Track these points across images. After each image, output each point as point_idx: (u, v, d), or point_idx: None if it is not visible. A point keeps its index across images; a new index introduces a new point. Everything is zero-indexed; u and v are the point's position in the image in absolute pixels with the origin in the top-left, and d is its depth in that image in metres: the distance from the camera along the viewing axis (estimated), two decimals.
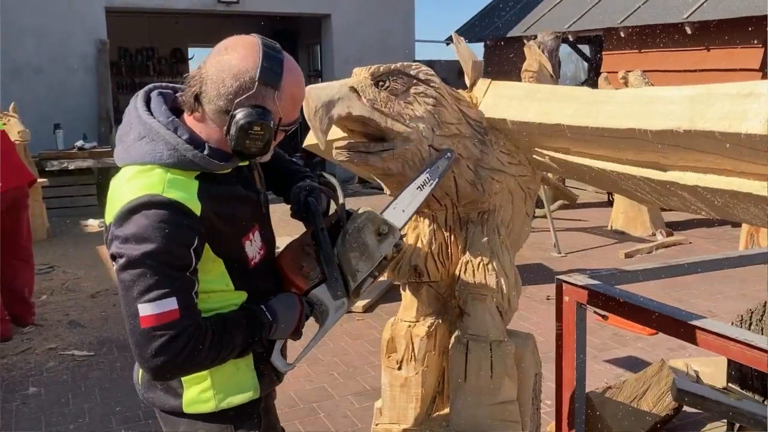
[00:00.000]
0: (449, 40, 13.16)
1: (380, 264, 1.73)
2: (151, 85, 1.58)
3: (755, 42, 7.87)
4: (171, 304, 1.35)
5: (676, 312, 2.28)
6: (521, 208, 2.24)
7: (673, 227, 7.79)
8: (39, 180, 7.74)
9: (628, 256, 6.73)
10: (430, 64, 10.83)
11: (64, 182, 9.15)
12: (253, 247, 1.56)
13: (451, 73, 10.95)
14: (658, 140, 1.59)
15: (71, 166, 9.08)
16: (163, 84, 1.60)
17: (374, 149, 1.95)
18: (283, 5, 11.58)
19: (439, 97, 1.99)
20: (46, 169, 8.83)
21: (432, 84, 2.00)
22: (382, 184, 2.16)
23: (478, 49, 12.61)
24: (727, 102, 1.43)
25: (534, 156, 2.12)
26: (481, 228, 2.17)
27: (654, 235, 7.48)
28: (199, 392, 1.56)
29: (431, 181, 1.95)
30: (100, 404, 3.81)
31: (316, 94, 1.85)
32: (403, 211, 1.88)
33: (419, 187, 1.93)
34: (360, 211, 1.74)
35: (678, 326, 2.23)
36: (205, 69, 1.44)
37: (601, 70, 9.78)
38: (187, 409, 1.56)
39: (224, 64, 1.42)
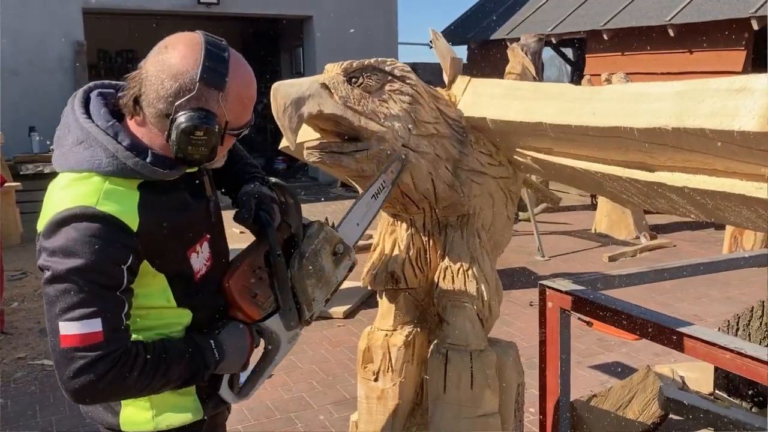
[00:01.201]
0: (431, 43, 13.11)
1: (335, 289, 1.64)
2: (91, 84, 1.46)
3: (738, 44, 7.87)
4: (95, 325, 1.26)
5: (662, 318, 2.20)
6: (502, 211, 2.15)
7: (657, 230, 7.77)
8: (12, 184, 7.59)
9: (611, 259, 6.69)
10: (412, 66, 10.76)
11: (39, 186, 8.91)
12: (199, 259, 1.45)
13: (435, 76, 10.90)
14: (645, 139, 1.50)
15: (46, 170, 8.90)
16: (105, 82, 1.48)
17: (347, 149, 1.86)
18: (264, 7, 11.47)
19: (415, 94, 1.90)
20: (21, 172, 8.65)
21: (408, 81, 1.90)
22: (357, 186, 2.07)
23: (461, 52, 12.57)
24: (718, 98, 1.35)
25: (515, 157, 2.03)
26: (461, 232, 2.09)
27: (638, 238, 7.44)
28: (137, 411, 1.46)
29: (385, 188, 1.86)
30: (69, 417, 3.68)
31: (284, 90, 1.75)
32: (357, 224, 1.78)
33: (374, 195, 1.83)
34: (314, 226, 1.62)
35: (664, 333, 2.16)
36: (145, 69, 1.34)
37: (584, 73, 9.77)
38: (124, 428, 1.47)
39: (163, 63, 1.32)
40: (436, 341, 2.13)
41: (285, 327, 1.56)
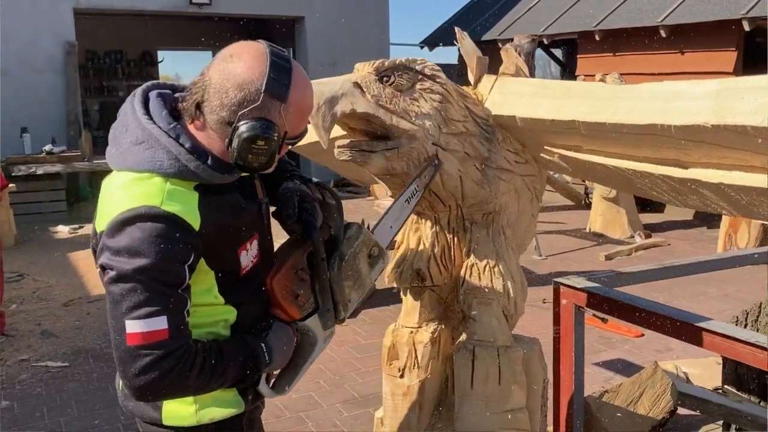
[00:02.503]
0: (424, 44, 13.15)
1: (368, 291, 1.67)
2: (149, 84, 1.48)
3: (729, 45, 7.96)
4: (161, 323, 1.28)
5: (681, 314, 2.23)
6: (527, 208, 2.18)
7: (650, 229, 7.84)
8: (11, 185, 7.50)
9: (608, 258, 6.75)
10: None
11: (32, 188, 8.88)
12: (248, 257, 1.47)
13: None
14: (682, 136, 1.53)
15: (39, 171, 8.83)
16: (161, 83, 1.49)
17: (378, 148, 1.87)
18: (255, 7, 11.44)
19: (445, 93, 1.92)
20: (13, 174, 8.57)
21: (438, 80, 1.92)
22: (384, 185, 2.08)
23: (452, 53, 12.61)
24: (760, 95, 1.37)
25: (542, 155, 2.06)
26: (486, 230, 2.11)
27: (632, 237, 7.52)
28: (180, 405, 1.47)
29: (418, 193, 1.89)
30: (78, 417, 3.66)
31: (318, 90, 1.76)
32: (391, 227, 1.81)
33: (407, 199, 1.86)
34: (353, 228, 1.64)
35: (684, 329, 2.18)
36: (209, 76, 1.36)
37: (576, 73, 9.84)
38: (166, 422, 1.48)
39: (229, 72, 1.33)
40: (462, 338, 2.15)
41: (322, 326, 1.58)
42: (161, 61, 15.95)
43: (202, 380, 1.34)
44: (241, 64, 1.33)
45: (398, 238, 2.25)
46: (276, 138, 1.34)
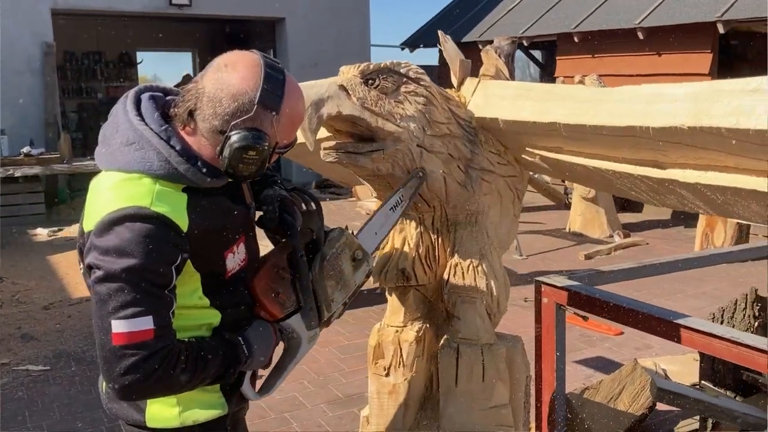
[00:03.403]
0: (404, 45, 13.19)
1: (353, 293, 1.69)
2: (141, 86, 1.50)
3: (705, 47, 8.09)
4: (146, 323, 1.29)
5: (660, 312, 2.28)
6: (510, 209, 2.22)
7: (629, 229, 7.94)
8: None
9: (587, 257, 6.83)
10: None
11: (10, 190, 8.78)
12: (234, 259, 1.49)
13: None
14: (660, 137, 1.57)
15: (17, 174, 8.74)
16: (153, 86, 1.51)
17: (364, 150, 1.90)
18: (236, 8, 11.41)
19: (429, 96, 1.95)
20: None
21: (422, 83, 1.96)
22: (370, 187, 2.11)
23: (432, 55, 12.67)
24: (734, 98, 1.42)
25: (524, 156, 2.10)
26: (470, 230, 2.14)
27: (611, 236, 7.61)
28: (163, 407, 1.49)
29: (403, 202, 1.92)
30: (60, 421, 3.64)
31: (304, 93, 1.77)
32: (376, 233, 1.84)
33: (392, 207, 1.89)
34: (335, 231, 1.67)
35: (662, 326, 2.23)
36: (202, 84, 1.38)
37: (555, 75, 9.93)
38: (150, 424, 1.50)
39: (223, 82, 1.36)
40: (446, 336, 2.18)
41: (306, 326, 1.59)
42: (140, 63, 15.83)
43: (185, 378, 1.36)
44: (235, 75, 1.36)
45: None
46: (267, 148, 1.37)
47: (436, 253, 2.19)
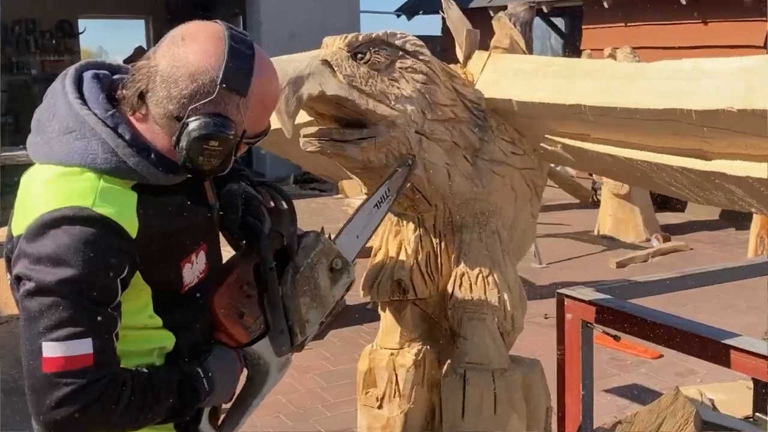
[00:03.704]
0: (401, 11, 13.21)
1: (331, 310, 1.68)
2: (84, 62, 1.48)
3: (760, 14, 8.13)
4: (84, 346, 1.27)
5: (706, 330, 2.29)
6: (526, 207, 2.24)
7: (670, 231, 7.97)
8: None
9: (620, 265, 6.85)
10: None
11: None
12: (192, 271, 1.48)
13: None
14: (705, 122, 1.59)
15: None
16: (98, 62, 1.50)
17: (352, 137, 1.91)
18: None
19: (430, 72, 1.97)
20: None
21: (421, 57, 1.97)
22: (359, 182, 2.12)
23: (434, 24, 12.68)
24: None
25: (543, 145, 2.12)
26: (479, 232, 2.16)
27: (648, 240, 7.63)
28: None
29: (389, 197, 1.91)
30: None
31: (280, 69, 1.77)
32: (357, 236, 1.83)
33: (377, 204, 1.88)
34: (309, 237, 1.65)
35: (709, 347, 2.24)
36: (156, 61, 1.37)
37: (581, 47, 9.96)
38: None
39: (179, 58, 1.34)
40: (450, 360, 2.19)
41: (275, 352, 1.58)
42: (82, 32, 15.80)
43: (129, 415, 1.34)
44: (194, 49, 1.34)
45: (375, 243, 2.29)
46: (232, 137, 1.36)
47: (439, 261, 2.19)
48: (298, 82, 1.80)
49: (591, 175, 8.41)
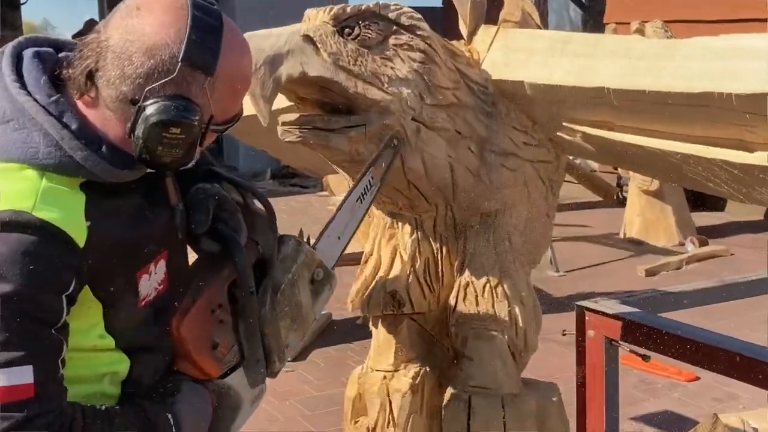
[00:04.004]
0: None
1: (310, 328, 1.69)
2: (22, 39, 1.45)
3: None
4: (24, 375, 1.25)
5: (750, 349, 2.28)
6: (541, 206, 2.24)
7: (707, 234, 7.97)
8: None
9: (649, 273, 6.85)
10: None
11: None
12: (150, 283, 1.46)
13: None
14: (746, 108, 1.60)
15: None
16: (39, 37, 1.47)
17: (338, 125, 1.91)
18: None
19: (429, 50, 1.97)
20: None
21: (419, 32, 1.97)
22: (347, 177, 2.12)
23: None
24: None
25: (560, 134, 2.12)
26: (486, 236, 2.16)
27: (682, 244, 7.64)
28: None
29: (373, 188, 1.90)
30: None
31: (255, 46, 1.77)
32: (339, 238, 1.81)
33: (359, 198, 1.87)
34: (289, 245, 1.63)
35: (752, 368, 2.23)
36: (106, 35, 1.34)
37: (604, 21, 9.98)
38: None
39: (134, 31, 1.32)
40: (453, 384, 2.19)
41: (249, 384, 1.58)
42: (24, 3, 15.79)
43: None
44: (150, 20, 1.32)
45: (366, 249, 2.29)
46: (196, 124, 1.34)
47: (439, 270, 2.20)
48: (275, 60, 1.80)
49: (616, 169, 8.43)
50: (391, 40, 1.94)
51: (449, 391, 2.20)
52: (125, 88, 1.33)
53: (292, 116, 1.93)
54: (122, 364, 1.46)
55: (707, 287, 2.88)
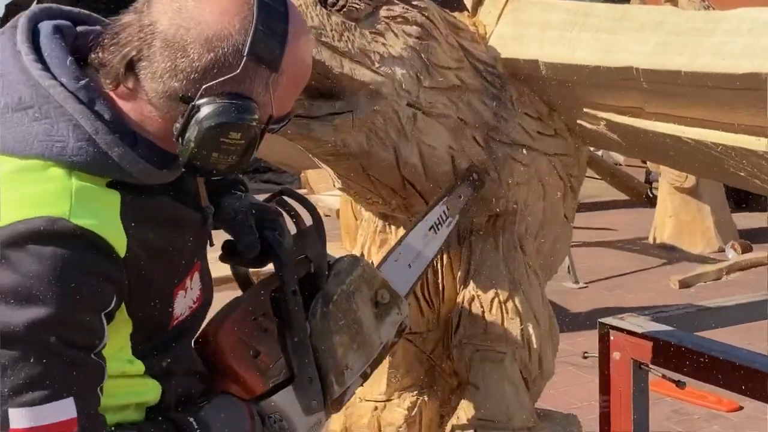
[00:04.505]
0: None
1: (378, 356, 1.70)
2: (35, 9, 1.42)
3: None
4: (66, 409, 1.27)
5: None
6: (557, 207, 2.25)
7: (751, 238, 7.99)
8: None
9: (683, 285, 6.87)
10: None
11: None
12: (185, 300, 1.48)
13: None
14: None
15: None
16: (53, 7, 1.44)
17: (320, 112, 1.90)
18: None
19: (427, 23, 1.96)
20: None
21: (415, 2, 1.96)
22: (331, 173, 2.11)
23: None
24: None
25: (581, 122, 2.12)
26: (494, 242, 2.16)
27: (722, 251, 7.66)
28: None
29: (449, 218, 1.96)
30: None
31: None
32: (410, 266, 1.86)
33: (432, 227, 1.92)
34: (344, 261, 1.67)
35: None
36: (151, 18, 1.32)
37: None
38: None
39: (190, 17, 1.31)
40: (456, 416, 2.19)
41: (303, 409, 1.58)
42: None
43: None
44: (211, 6, 1.31)
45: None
46: (256, 125, 1.34)
47: (439, 281, 2.20)
48: None
49: (645, 163, 8.45)
50: (383, 12, 1.93)
51: (451, 424, 2.20)
52: (176, 84, 1.32)
53: None
54: (152, 393, 1.47)
55: (751, 301, 2.89)
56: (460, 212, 1.97)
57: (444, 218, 1.94)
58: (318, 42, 1.86)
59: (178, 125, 1.33)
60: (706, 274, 7.11)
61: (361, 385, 1.69)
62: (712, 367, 2.34)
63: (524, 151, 2.12)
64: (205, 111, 1.31)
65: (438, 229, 1.92)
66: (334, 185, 2.16)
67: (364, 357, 1.65)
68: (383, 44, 1.92)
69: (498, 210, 2.15)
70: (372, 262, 1.75)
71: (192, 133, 1.31)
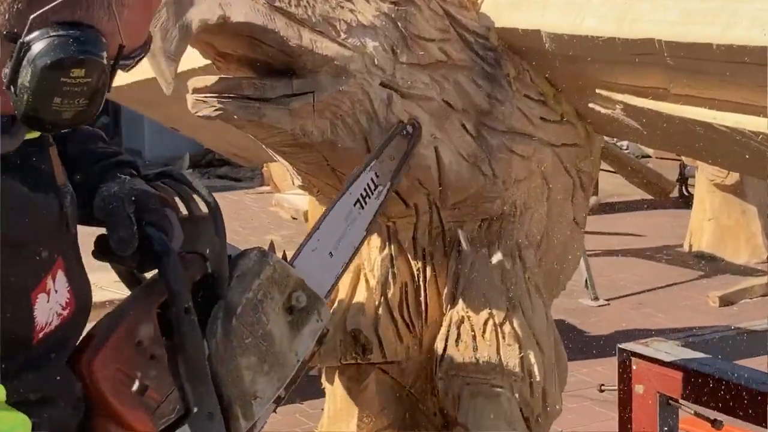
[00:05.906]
0: None
1: (295, 374, 1.67)
2: None
3: None
4: None
5: None
6: (565, 208, 2.25)
7: None
8: None
9: (724, 302, 6.88)
10: None
11: None
12: (50, 306, 1.45)
13: None
14: None
15: None
16: None
17: (275, 94, 1.90)
18: None
19: None
20: None
21: None
22: (290, 168, 2.11)
23: None
24: None
25: (593, 105, 2.12)
26: (488, 251, 2.16)
27: None
28: None
29: (378, 188, 1.94)
30: None
31: None
32: (331, 255, 1.83)
33: (358, 200, 1.90)
34: (249, 257, 1.65)
35: None
36: None
37: None
38: None
39: None
40: None
41: None
42: None
43: None
44: None
45: None
46: (103, 60, 1.34)
47: (422, 300, 2.21)
48: (183, 1, 1.79)
49: (680, 155, 8.45)
50: None
51: None
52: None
53: (209, 80, 1.91)
54: (20, 428, 1.45)
55: None
56: (392, 178, 1.94)
57: (372, 188, 1.91)
58: (270, 8, 1.86)
59: (6, 70, 1.32)
60: (752, 289, 7.12)
61: (275, 411, 1.67)
62: (757, 403, 2.34)
63: (524, 142, 2.13)
64: (37, 47, 1.30)
65: (365, 203, 1.89)
66: (293, 182, 2.15)
67: (277, 380, 1.62)
68: (351, 11, 1.92)
69: (492, 213, 2.15)
70: (285, 253, 1.71)
71: (25, 76, 1.31)
